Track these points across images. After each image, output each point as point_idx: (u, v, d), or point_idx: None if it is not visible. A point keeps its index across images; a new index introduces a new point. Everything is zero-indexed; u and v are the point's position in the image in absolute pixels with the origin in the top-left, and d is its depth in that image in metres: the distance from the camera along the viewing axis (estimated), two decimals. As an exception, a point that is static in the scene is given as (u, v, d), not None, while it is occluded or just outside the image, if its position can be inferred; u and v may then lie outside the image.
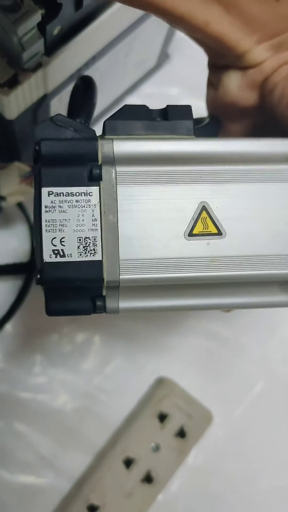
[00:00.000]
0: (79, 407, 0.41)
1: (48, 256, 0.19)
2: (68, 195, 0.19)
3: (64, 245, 0.19)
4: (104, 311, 0.21)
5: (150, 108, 0.22)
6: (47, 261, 0.19)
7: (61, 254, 0.19)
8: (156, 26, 0.37)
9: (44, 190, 0.19)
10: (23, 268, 0.42)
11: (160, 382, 0.41)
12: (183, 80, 0.48)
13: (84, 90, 0.26)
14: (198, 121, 0.24)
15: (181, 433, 0.40)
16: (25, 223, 0.43)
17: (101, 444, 0.41)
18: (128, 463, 0.39)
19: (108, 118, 0.21)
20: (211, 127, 0.25)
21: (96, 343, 0.42)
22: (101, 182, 0.19)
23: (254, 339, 0.44)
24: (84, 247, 0.19)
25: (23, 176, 0.33)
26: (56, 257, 0.19)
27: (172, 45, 0.46)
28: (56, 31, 0.28)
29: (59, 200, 0.19)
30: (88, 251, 0.19)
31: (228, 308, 0.22)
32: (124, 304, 0.21)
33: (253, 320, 0.44)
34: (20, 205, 0.42)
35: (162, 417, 0.40)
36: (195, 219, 0.20)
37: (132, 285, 0.20)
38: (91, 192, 0.19)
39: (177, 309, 0.21)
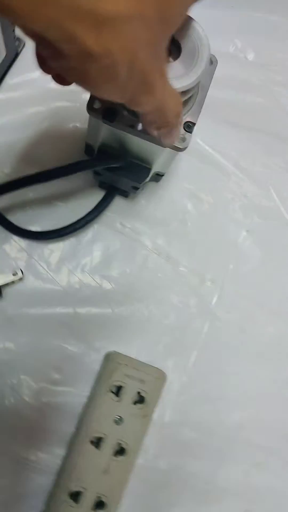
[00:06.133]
0: (39, 405, 0.42)
1: None
2: None
3: None
4: None
5: None
6: None
7: None
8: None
9: None
10: None
11: (107, 358, 0.42)
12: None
13: None
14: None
15: (140, 399, 0.41)
16: None
17: (72, 432, 0.42)
18: (97, 442, 0.40)
19: None
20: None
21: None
22: None
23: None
24: None
25: None
26: None
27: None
28: None
29: None
30: None
31: None
32: None
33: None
34: None
35: (117, 390, 0.41)
36: None
37: None
38: None
39: None
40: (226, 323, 0.45)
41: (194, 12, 0.29)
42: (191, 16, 0.28)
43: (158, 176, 0.43)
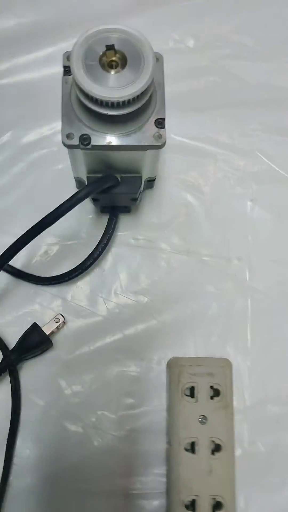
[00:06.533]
0: (125, 434, 0.42)
1: None
2: None
3: None
4: None
5: None
6: None
7: None
8: None
9: None
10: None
11: (170, 365, 0.43)
12: None
13: None
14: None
15: (215, 393, 0.41)
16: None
17: (165, 448, 0.42)
18: (191, 448, 0.40)
19: None
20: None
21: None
22: None
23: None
24: None
25: None
26: None
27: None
28: None
29: None
30: None
31: None
32: None
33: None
34: None
35: (191, 392, 0.41)
36: None
37: None
38: None
39: None
40: (267, 293, 0.45)
41: (122, 24, 0.31)
42: (123, 26, 0.30)
43: (151, 182, 0.44)
